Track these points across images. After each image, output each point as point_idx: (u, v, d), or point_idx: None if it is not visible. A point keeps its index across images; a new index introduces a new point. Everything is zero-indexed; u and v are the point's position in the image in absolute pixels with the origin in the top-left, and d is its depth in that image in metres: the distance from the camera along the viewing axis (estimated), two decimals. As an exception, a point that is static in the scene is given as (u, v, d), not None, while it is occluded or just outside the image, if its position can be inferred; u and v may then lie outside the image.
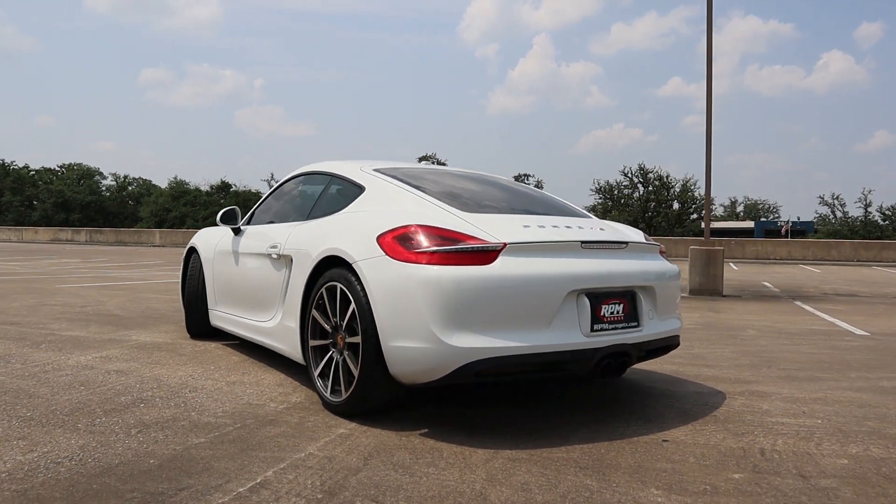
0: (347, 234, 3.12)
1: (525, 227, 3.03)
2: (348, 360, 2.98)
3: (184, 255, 5.22)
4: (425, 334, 2.67)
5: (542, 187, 54.92)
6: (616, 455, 2.61)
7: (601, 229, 3.35)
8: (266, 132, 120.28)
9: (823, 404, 3.48)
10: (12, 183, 65.98)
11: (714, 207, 52.64)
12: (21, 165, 69.76)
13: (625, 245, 3.22)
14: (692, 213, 49.73)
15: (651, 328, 3.16)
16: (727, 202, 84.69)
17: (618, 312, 3.00)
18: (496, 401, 3.46)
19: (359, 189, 3.54)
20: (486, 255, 2.76)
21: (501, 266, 2.74)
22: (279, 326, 3.64)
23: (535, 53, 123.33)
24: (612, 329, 2.96)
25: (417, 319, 2.68)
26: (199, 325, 4.99)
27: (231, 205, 7.60)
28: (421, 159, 54.55)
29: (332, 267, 3.11)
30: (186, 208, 58.73)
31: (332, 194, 3.78)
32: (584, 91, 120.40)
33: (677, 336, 3.44)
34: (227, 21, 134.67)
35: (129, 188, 74.77)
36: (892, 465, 2.56)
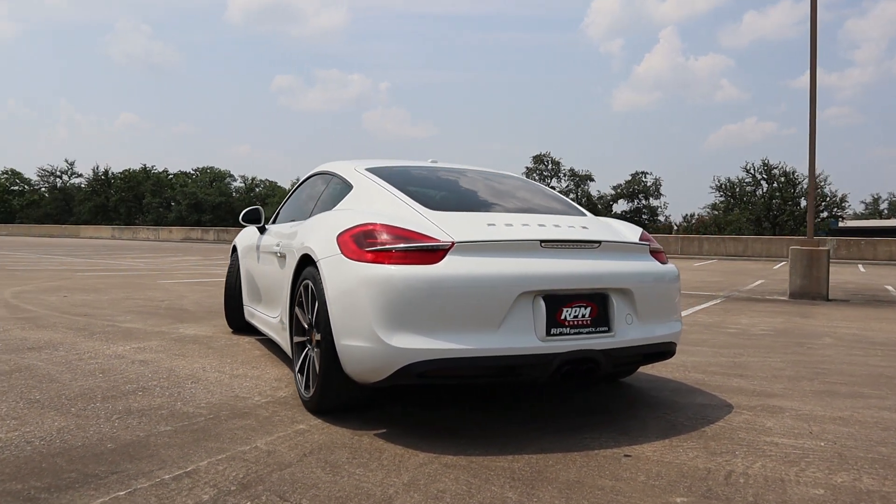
0: (320, 232, 3.17)
1: (489, 225, 2.94)
2: (315, 358, 3.04)
3: (230, 252, 5.53)
4: (369, 334, 2.66)
5: (659, 185, 52.78)
6: (561, 468, 2.48)
7: (583, 227, 3.18)
8: (392, 134, 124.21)
9: (841, 424, 3.11)
10: (152, 186, 72.41)
11: (849, 205, 48.10)
12: (160, 169, 76.38)
13: (597, 244, 3.01)
14: (822, 211, 45.93)
15: (629, 334, 2.95)
16: (868, 199, 77.35)
17: (583, 316, 2.83)
18: (477, 403, 3.38)
19: (348, 188, 3.59)
20: (433, 253, 2.71)
21: (448, 266, 2.68)
22: (279, 322, 3.77)
23: (662, 47, 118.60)
24: (575, 334, 2.80)
25: (362, 318, 2.68)
26: (236, 319, 5.26)
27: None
28: (535, 158, 54.26)
29: (308, 265, 3.18)
30: None
31: (330, 193, 3.86)
32: (714, 85, 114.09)
33: (670, 343, 3.20)
34: (354, 27, 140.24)
35: (257, 189, 79.78)
36: (875, 499, 2.25)
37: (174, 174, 77.07)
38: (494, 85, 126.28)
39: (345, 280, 2.79)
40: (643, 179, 52.08)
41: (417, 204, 3.12)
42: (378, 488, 2.25)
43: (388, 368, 2.65)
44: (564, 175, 53.93)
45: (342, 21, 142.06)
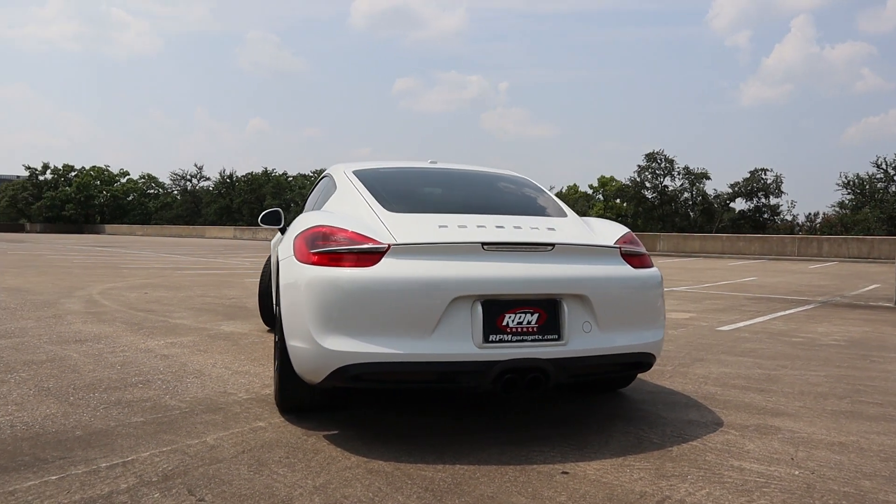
0: (289, 234, 3.25)
1: (441, 227, 2.89)
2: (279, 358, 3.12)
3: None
4: (306, 335, 2.70)
5: (780, 183, 49.23)
6: (485, 482, 2.40)
7: (550, 229, 3.04)
8: (512, 134, 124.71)
9: (837, 451, 2.78)
10: (272, 188, 76.77)
11: None
12: (280, 172, 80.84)
13: (549, 247, 2.85)
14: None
15: (586, 343, 2.79)
16: None
17: (529, 323, 2.71)
18: (449, 408, 3.33)
19: (334, 190, 3.66)
20: (370, 256, 2.70)
21: (383, 268, 2.66)
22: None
23: (793, 37, 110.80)
24: (518, 341, 2.68)
25: (302, 319, 2.73)
26: (270, 318, 5.49)
27: None
28: (647, 156, 52.33)
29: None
30: None
31: (323, 195, 3.94)
32: (854, 74, 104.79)
33: (643, 354, 2.98)
34: (472, 28, 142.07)
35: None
36: (814, 537, 2.00)
37: (293, 176, 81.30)
38: (614, 82, 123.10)
39: (292, 281, 2.85)
40: (763, 177, 48.67)
41: (379, 206, 3.12)
42: (286, 489, 2.28)
43: (323, 370, 2.68)
44: (679, 173, 51.49)
45: (460, 23, 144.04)
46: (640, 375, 4.16)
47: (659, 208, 51.50)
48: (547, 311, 2.74)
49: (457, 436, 2.91)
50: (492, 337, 2.65)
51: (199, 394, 3.51)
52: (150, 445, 2.69)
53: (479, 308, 2.65)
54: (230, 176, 78.02)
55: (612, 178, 62.25)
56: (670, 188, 52.00)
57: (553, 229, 3.06)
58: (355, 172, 3.66)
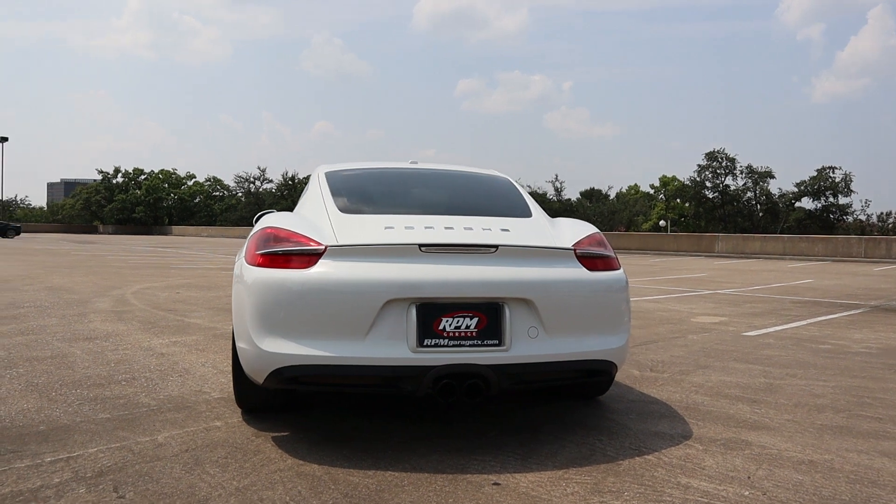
0: (249, 236, 3.28)
1: (387, 228, 2.86)
2: None
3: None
4: (248, 336, 2.72)
5: (849, 181, 46.86)
6: (408, 490, 2.35)
7: (503, 230, 2.94)
8: (575, 133, 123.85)
9: (804, 471, 2.59)
10: (331, 190, 78.16)
11: None
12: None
13: (493, 249, 2.75)
14: None
15: (530, 349, 2.69)
16: None
17: (468, 327, 2.63)
18: (411, 412, 3.28)
19: (306, 192, 3.67)
20: (308, 258, 2.69)
21: (319, 270, 2.65)
22: None
23: (870, 29, 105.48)
24: (455, 346, 2.61)
25: (244, 321, 2.75)
26: None
27: None
28: (708, 155, 50.78)
29: None
30: None
31: (301, 196, 3.96)
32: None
33: (600, 361, 2.85)
34: (535, 28, 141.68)
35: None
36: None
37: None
38: (679, 78, 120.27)
39: (240, 283, 2.88)
40: (831, 175, 46.36)
41: (334, 207, 3.12)
42: (207, 490, 2.30)
43: (263, 371, 2.69)
44: (741, 172, 49.63)
45: (523, 23, 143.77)
46: (627, 383, 4.01)
47: (720, 208, 49.78)
48: (487, 315, 2.66)
49: (408, 441, 2.87)
50: (426, 341, 2.60)
51: (175, 392, 3.59)
52: (102, 442, 2.76)
53: (414, 311, 2.60)
54: (292, 178, 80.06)
55: (674, 178, 60.67)
56: (732, 188, 50.15)
57: (507, 230, 2.97)
58: (327, 174, 3.67)
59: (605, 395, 3.66)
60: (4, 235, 43.83)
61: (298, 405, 3.37)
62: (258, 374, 2.73)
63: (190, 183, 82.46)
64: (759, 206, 49.64)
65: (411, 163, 4.12)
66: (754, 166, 49.21)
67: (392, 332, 2.59)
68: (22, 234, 48.59)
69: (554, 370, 2.78)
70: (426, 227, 2.87)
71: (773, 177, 49.14)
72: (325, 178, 3.56)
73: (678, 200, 55.61)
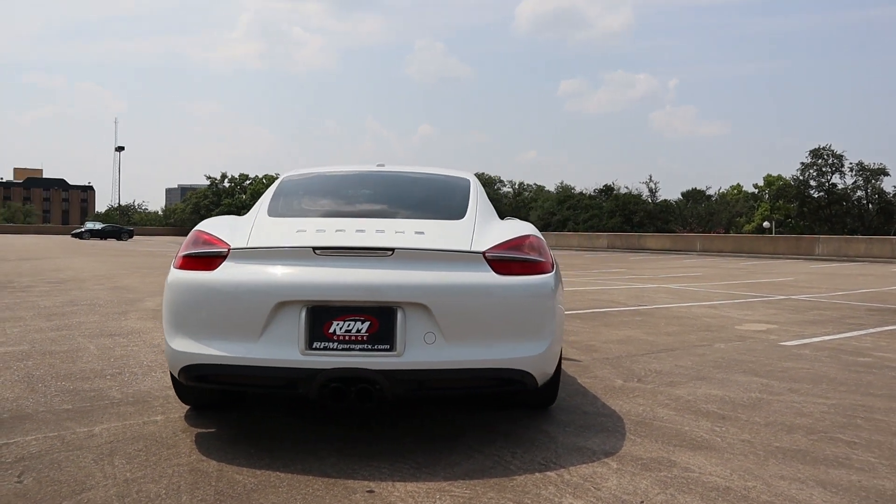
0: None
1: (299, 231, 2.92)
2: None
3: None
4: (165, 335, 2.85)
5: None
6: (281, 491, 2.39)
7: (417, 233, 2.92)
8: (680, 132, 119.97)
9: (710, 498, 2.39)
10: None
11: None
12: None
13: (389, 252, 2.73)
14: None
15: (426, 355, 2.64)
16: None
17: (359, 331, 2.62)
18: (358, 417, 3.31)
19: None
20: (213, 260, 2.80)
21: (220, 272, 2.75)
22: None
23: None
24: (344, 350, 2.61)
25: (163, 320, 2.89)
26: None
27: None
28: (812, 152, 47.50)
29: None
30: (569, 212, 62.36)
31: None
32: None
33: (510, 370, 2.75)
34: (639, 26, 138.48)
35: (525, 194, 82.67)
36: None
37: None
38: (789, 74, 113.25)
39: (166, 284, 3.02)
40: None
41: (265, 211, 3.25)
42: (98, 479, 2.44)
43: (175, 368, 2.81)
44: (851, 170, 45.85)
45: (627, 21, 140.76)
46: (597, 393, 3.84)
47: (826, 208, 46.20)
48: (380, 319, 2.65)
49: (318, 442, 2.90)
50: (315, 344, 2.62)
51: (146, 388, 3.80)
52: (44, 430, 2.98)
53: (304, 314, 2.64)
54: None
55: (779, 177, 57.09)
56: (839, 187, 46.41)
57: (421, 233, 2.95)
58: (283, 179, 3.79)
59: (557, 404, 3.54)
60: (118, 238, 47.88)
61: (251, 403, 3.48)
62: (174, 371, 2.87)
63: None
64: (870, 206, 45.61)
65: (378, 165, 4.15)
66: (865, 163, 45.32)
67: (285, 334, 2.64)
68: (134, 237, 52.85)
69: (456, 377, 2.71)
70: (337, 230, 2.91)
71: (887, 174, 45.03)
72: (277, 184, 3.68)
73: (781, 201, 52.24)
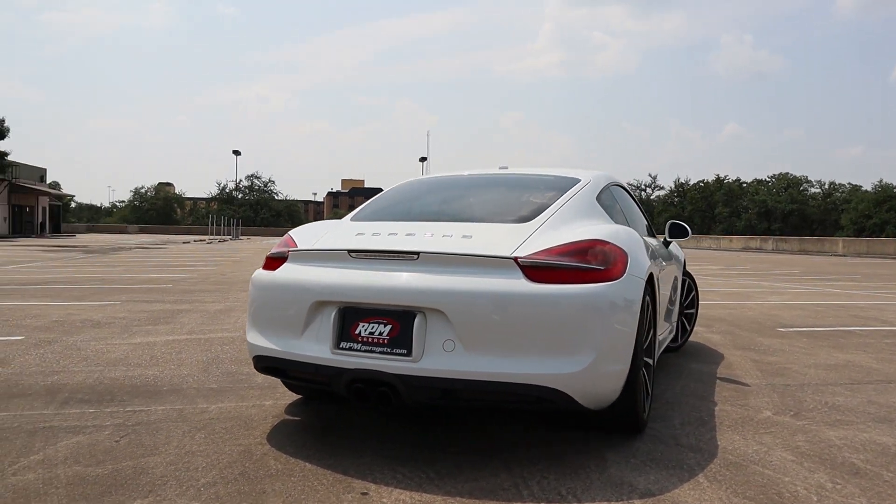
0: None
1: (357, 235, 3.05)
2: None
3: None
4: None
5: None
6: (278, 481, 2.49)
7: (465, 237, 2.81)
8: None
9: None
10: (723, 195, 73.05)
11: None
12: (733, 179, 76.44)
13: (414, 256, 2.67)
14: None
15: (443, 363, 2.51)
16: None
17: (381, 334, 2.62)
18: (420, 418, 3.29)
19: None
20: (279, 261, 3.09)
21: (278, 272, 3.02)
22: None
23: None
24: (366, 351, 2.62)
25: None
26: None
27: None
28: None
29: None
30: (889, 214, 51.99)
31: None
32: None
33: (536, 387, 2.48)
34: None
35: (836, 195, 71.45)
36: None
37: (748, 182, 75.89)
38: None
39: None
40: None
41: (352, 214, 3.53)
42: (168, 448, 2.82)
43: (250, 357, 3.12)
44: None
45: None
46: (716, 420, 3.20)
47: None
48: (401, 323, 2.62)
49: (362, 439, 2.97)
50: (343, 344, 2.70)
51: (108, 380, 3.92)
52: (177, 403, 3.45)
53: (336, 314, 2.74)
54: (682, 184, 77.61)
55: None
56: None
57: (468, 237, 2.83)
58: (403, 182, 4.01)
59: (653, 433, 3.04)
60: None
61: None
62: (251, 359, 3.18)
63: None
64: None
65: (500, 168, 4.05)
66: None
67: (322, 332, 2.78)
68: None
69: (476, 389, 2.53)
70: (373, 234, 3.00)
71: None
72: (390, 187, 3.91)
73: None
